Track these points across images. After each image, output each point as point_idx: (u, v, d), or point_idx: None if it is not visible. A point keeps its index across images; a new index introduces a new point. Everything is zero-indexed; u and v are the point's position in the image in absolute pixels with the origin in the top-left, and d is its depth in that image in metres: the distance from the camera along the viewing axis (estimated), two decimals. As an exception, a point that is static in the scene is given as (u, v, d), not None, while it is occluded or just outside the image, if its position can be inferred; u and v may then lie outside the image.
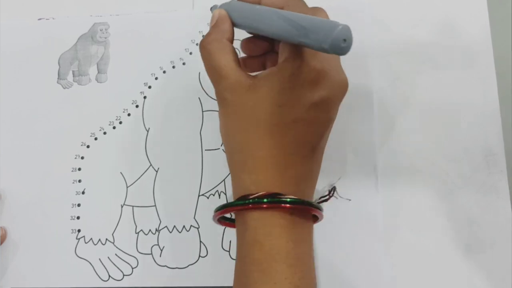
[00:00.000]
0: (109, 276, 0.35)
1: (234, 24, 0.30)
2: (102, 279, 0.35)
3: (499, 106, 0.35)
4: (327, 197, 0.34)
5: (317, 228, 0.34)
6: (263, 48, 0.32)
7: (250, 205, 0.26)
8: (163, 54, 0.38)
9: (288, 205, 0.26)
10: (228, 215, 0.29)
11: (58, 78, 0.39)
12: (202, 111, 0.37)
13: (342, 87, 0.28)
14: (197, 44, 0.38)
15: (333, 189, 0.34)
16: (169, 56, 0.38)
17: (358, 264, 0.34)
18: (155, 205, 0.36)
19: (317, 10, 0.29)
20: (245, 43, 0.32)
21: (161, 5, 0.39)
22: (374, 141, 0.35)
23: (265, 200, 0.26)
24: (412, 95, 0.36)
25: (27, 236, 0.36)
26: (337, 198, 0.34)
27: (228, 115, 0.29)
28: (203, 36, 0.38)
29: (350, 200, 0.35)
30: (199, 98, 0.37)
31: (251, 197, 0.26)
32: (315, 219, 0.29)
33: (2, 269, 0.36)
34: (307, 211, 0.28)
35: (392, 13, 0.37)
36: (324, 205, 0.35)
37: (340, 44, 0.23)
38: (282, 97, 0.27)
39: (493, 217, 0.34)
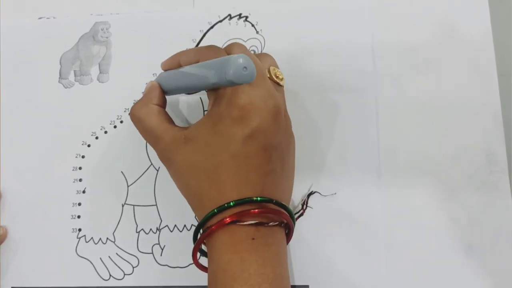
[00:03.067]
0: (110, 275, 0.35)
1: (166, 93, 0.32)
2: (103, 278, 0.35)
3: (500, 105, 0.35)
4: (301, 211, 0.34)
5: (317, 227, 0.34)
6: None
7: (219, 219, 0.27)
8: (164, 54, 0.38)
9: (256, 210, 0.27)
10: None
11: (59, 78, 0.39)
12: (204, 111, 0.37)
13: (270, 113, 0.29)
14: (197, 44, 0.38)
15: (305, 202, 0.34)
16: (169, 55, 0.38)
17: (359, 264, 0.34)
18: (156, 204, 0.36)
19: (232, 46, 0.31)
20: None
21: (161, 4, 0.39)
22: (375, 141, 0.35)
23: (232, 203, 0.27)
24: (413, 95, 0.36)
25: (27, 235, 0.36)
26: (312, 208, 0.34)
27: (175, 173, 0.30)
28: (204, 35, 0.38)
29: (335, 193, 0.35)
30: (200, 98, 0.37)
31: (215, 208, 0.28)
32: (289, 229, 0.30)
33: (2, 268, 0.36)
34: (274, 232, 0.29)
35: (393, 13, 0.37)
36: (325, 204, 0.35)
37: (242, 73, 0.25)
38: (216, 140, 0.28)
39: (494, 217, 0.34)
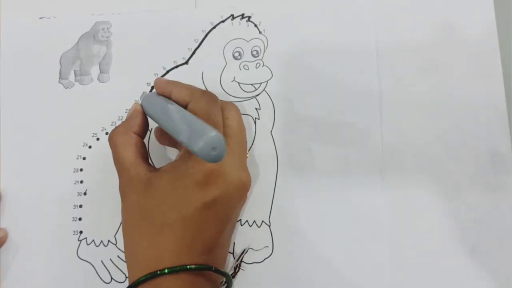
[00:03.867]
0: (112, 278, 0.35)
1: (150, 117, 0.32)
2: (104, 281, 0.35)
3: (506, 105, 0.35)
4: (233, 273, 0.33)
5: (321, 228, 0.34)
6: (170, 141, 0.33)
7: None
8: (165, 54, 0.38)
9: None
10: None
11: (59, 78, 0.39)
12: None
13: (239, 186, 0.28)
14: (200, 44, 0.38)
15: (238, 266, 0.34)
16: (171, 55, 0.38)
17: (362, 264, 0.33)
18: (157, 206, 0.36)
19: (227, 107, 0.30)
20: (155, 131, 0.34)
21: (162, 3, 0.39)
22: (379, 141, 0.35)
23: (166, 271, 0.26)
24: (418, 95, 0.36)
25: (28, 238, 0.36)
26: (243, 270, 0.34)
27: (124, 212, 0.30)
28: (206, 35, 0.38)
29: (267, 246, 0.34)
30: (202, 97, 0.37)
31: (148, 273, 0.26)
32: None
33: (3, 271, 0.35)
34: None
35: (396, 13, 0.37)
36: (327, 203, 0.34)
37: (210, 152, 0.24)
38: (172, 196, 0.27)
39: (499, 217, 0.34)
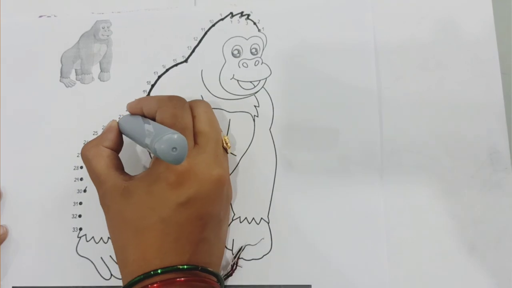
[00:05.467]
0: (111, 274, 0.35)
1: (125, 135, 0.32)
2: (104, 278, 0.35)
3: (504, 103, 0.35)
4: (230, 271, 0.34)
5: (319, 224, 0.34)
6: None
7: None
8: (165, 52, 0.38)
9: (182, 278, 0.27)
10: None
11: (60, 77, 0.39)
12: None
13: (213, 182, 0.29)
14: (199, 42, 0.38)
15: (235, 264, 0.34)
16: (171, 53, 0.38)
17: (361, 262, 0.33)
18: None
19: (195, 104, 0.31)
20: None
21: (162, 2, 0.39)
22: (378, 140, 0.35)
23: (159, 271, 0.27)
24: (416, 94, 0.36)
25: (28, 235, 0.36)
26: (241, 267, 0.34)
27: (109, 222, 0.30)
28: (205, 33, 0.38)
29: (263, 238, 0.34)
30: (201, 96, 0.37)
31: (141, 274, 0.27)
32: None
33: (3, 267, 0.36)
34: None
35: (396, 11, 0.37)
36: (326, 201, 0.34)
37: (170, 152, 0.24)
38: (149, 200, 0.28)
39: (498, 216, 0.34)
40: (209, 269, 0.29)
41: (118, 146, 0.32)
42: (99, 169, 0.30)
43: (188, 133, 0.29)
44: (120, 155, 0.33)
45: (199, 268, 0.28)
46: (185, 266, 0.27)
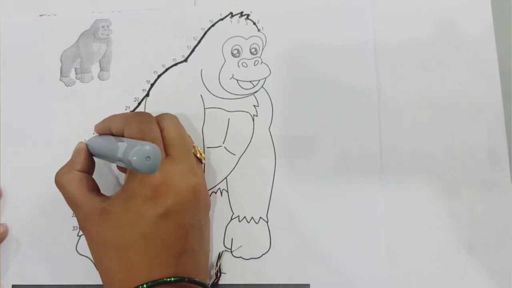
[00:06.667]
0: (110, 273, 0.35)
1: (95, 155, 0.32)
2: (103, 277, 0.35)
3: (503, 103, 0.35)
4: (216, 279, 0.34)
5: (318, 223, 0.34)
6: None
7: None
8: (165, 51, 0.38)
9: None
10: None
11: (60, 76, 0.39)
12: (204, 109, 0.37)
13: (189, 191, 0.29)
14: (199, 42, 0.38)
15: (218, 271, 0.34)
16: (170, 53, 0.38)
17: (360, 263, 0.33)
18: (156, 203, 0.36)
19: (162, 118, 0.31)
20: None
21: (162, 2, 0.39)
22: (377, 140, 0.35)
23: (145, 286, 0.27)
24: (415, 94, 0.36)
25: (28, 233, 0.36)
26: (225, 273, 0.34)
27: (90, 245, 0.30)
28: (205, 33, 0.38)
29: (241, 246, 0.34)
30: (201, 95, 0.37)
31: None
32: None
33: (3, 266, 0.36)
34: None
35: (395, 11, 0.37)
36: (325, 200, 0.34)
37: (145, 161, 0.25)
38: (128, 218, 0.28)
39: (497, 216, 0.34)
40: (196, 279, 0.28)
41: (90, 168, 0.32)
42: (74, 194, 0.30)
43: (158, 145, 0.29)
44: (94, 176, 0.33)
45: (186, 280, 0.28)
46: (172, 279, 0.27)
